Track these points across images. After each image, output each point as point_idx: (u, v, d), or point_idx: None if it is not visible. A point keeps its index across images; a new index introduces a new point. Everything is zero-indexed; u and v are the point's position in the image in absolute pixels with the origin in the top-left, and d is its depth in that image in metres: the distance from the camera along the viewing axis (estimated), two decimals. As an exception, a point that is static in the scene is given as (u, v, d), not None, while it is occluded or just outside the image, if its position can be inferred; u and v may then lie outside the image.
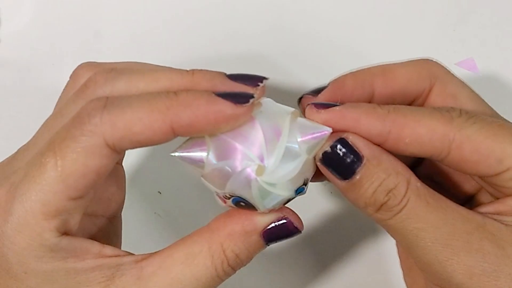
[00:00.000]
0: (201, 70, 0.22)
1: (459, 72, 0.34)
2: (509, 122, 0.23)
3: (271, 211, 0.22)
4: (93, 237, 0.24)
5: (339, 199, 0.34)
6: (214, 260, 0.21)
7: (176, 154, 0.21)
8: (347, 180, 0.21)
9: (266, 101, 0.22)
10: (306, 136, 0.21)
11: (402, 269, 0.28)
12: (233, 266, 0.22)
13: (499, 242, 0.20)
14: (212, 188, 0.22)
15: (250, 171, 0.20)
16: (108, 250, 0.22)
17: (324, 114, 0.21)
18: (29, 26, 0.35)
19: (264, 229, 0.22)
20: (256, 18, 0.35)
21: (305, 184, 0.22)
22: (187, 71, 0.22)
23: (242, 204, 0.21)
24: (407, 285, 0.27)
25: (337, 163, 0.21)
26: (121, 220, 0.27)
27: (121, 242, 0.27)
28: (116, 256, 0.21)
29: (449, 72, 0.24)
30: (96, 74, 0.22)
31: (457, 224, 0.20)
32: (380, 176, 0.21)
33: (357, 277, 0.33)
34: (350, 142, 0.21)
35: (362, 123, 0.21)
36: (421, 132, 0.21)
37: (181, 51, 0.35)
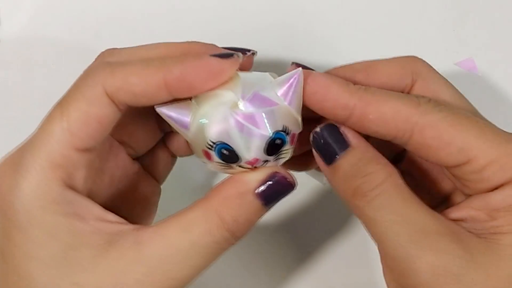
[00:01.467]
0: (197, 41, 0.24)
1: (459, 72, 0.34)
2: (483, 119, 0.23)
3: (255, 163, 0.22)
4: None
5: (339, 199, 0.34)
6: (209, 225, 0.21)
7: (162, 109, 0.22)
8: (332, 163, 0.22)
9: (244, 73, 0.23)
10: (283, 88, 0.22)
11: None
12: (232, 231, 0.21)
13: (468, 249, 0.20)
14: (198, 148, 0.22)
15: (226, 108, 0.21)
16: (110, 216, 0.22)
17: (306, 73, 0.22)
18: (29, 26, 0.35)
19: (257, 187, 0.22)
20: (254, 16, 0.35)
21: (286, 132, 0.22)
22: (184, 42, 0.24)
23: (225, 152, 0.22)
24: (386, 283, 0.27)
25: (324, 144, 0.22)
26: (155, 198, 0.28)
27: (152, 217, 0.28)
28: (116, 222, 0.22)
29: (432, 69, 0.25)
30: (104, 50, 0.24)
31: (430, 224, 0.21)
32: (361, 161, 0.22)
33: (358, 277, 0.33)
34: (340, 130, 0.22)
35: (331, 91, 0.22)
36: (385, 111, 0.21)
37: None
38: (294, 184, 0.23)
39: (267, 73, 0.23)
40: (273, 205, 0.23)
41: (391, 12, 0.35)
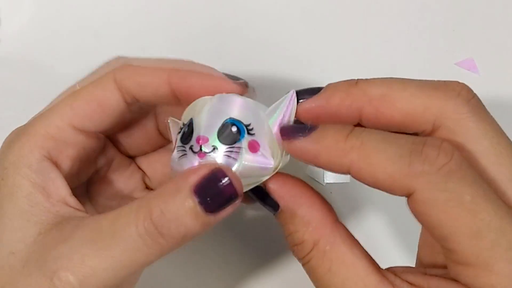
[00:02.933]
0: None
1: (459, 72, 0.34)
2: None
3: (203, 142, 0.21)
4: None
5: (339, 199, 0.34)
6: (136, 216, 0.19)
7: (169, 122, 0.23)
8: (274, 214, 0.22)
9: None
10: (272, 106, 0.22)
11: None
12: (157, 224, 0.19)
13: None
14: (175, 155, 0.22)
15: (208, 98, 0.22)
16: (73, 201, 0.22)
17: (290, 145, 0.21)
18: (29, 26, 0.35)
19: (195, 182, 0.19)
20: (255, 17, 0.35)
21: (248, 129, 0.21)
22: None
23: (185, 130, 0.21)
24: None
25: (266, 199, 0.21)
26: None
27: None
28: (76, 209, 0.22)
29: (470, 110, 0.20)
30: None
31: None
32: (289, 228, 0.21)
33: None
34: (270, 190, 0.21)
35: (322, 160, 0.20)
36: (378, 176, 0.19)
37: (181, 51, 0.35)
38: (238, 192, 0.20)
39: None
40: (218, 215, 0.20)
41: (391, 13, 0.35)
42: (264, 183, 0.21)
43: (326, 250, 0.20)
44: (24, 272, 0.20)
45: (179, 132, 0.22)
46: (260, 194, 0.22)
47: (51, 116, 0.23)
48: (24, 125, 0.23)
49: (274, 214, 0.22)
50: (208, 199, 0.20)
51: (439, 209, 0.18)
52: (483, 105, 0.21)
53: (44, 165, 0.22)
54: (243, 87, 0.23)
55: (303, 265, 0.21)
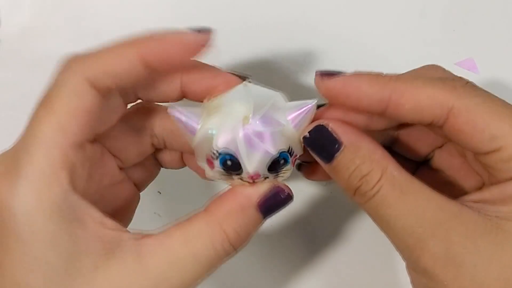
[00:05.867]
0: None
1: (459, 72, 0.34)
2: None
3: (256, 177, 0.22)
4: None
5: (339, 199, 0.34)
6: (213, 240, 0.21)
7: (174, 112, 0.23)
8: (329, 164, 0.22)
9: (254, 84, 0.23)
10: (293, 113, 0.23)
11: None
12: (234, 244, 0.22)
13: (468, 233, 0.20)
14: (202, 154, 0.23)
15: (238, 121, 0.22)
16: (109, 221, 0.21)
17: (328, 82, 0.22)
18: (29, 26, 0.35)
19: (259, 200, 0.22)
20: (258, 13, 0.35)
21: (290, 153, 0.23)
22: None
23: (228, 163, 0.22)
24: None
25: (318, 147, 0.23)
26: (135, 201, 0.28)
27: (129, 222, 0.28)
28: (116, 229, 0.21)
29: (476, 94, 0.22)
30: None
31: (427, 214, 0.21)
32: (355, 162, 0.22)
33: (356, 277, 0.33)
34: (329, 129, 0.22)
35: (364, 91, 0.22)
36: (420, 99, 0.21)
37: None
38: (292, 196, 0.23)
39: (279, 93, 0.23)
40: (269, 217, 0.23)
41: (391, 13, 0.35)
42: (325, 124, 0.23)
43: (395, 175, 0.21)
44: None
45: (214, 156, 0.22)
46: (317, 144, 0.23)
47: (46, 146, 0.20)
48: (12, 166, 0.20)
49: (327, 162, 0.22)
50: (269, 210, 0.23)
51: (483, 110, 0.21)
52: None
53: (71, 199, 0.20)
54: (207, 37, 0.22)
55: (368, 201, 0.21)
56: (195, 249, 0.21)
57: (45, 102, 0.21)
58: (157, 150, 0.28)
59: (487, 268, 0.20)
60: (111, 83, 0.21)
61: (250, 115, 0.22)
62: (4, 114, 0.34)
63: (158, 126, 0.26)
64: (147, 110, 0.26)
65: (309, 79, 0.34)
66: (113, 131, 0.25)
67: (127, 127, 0.26)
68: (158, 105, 0.26)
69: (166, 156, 0.28)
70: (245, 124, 0.22)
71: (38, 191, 0.20)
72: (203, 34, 0.22)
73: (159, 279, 0.21)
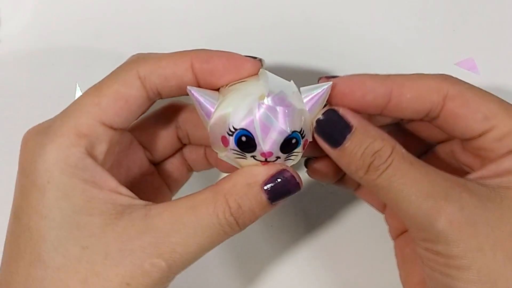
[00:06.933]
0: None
1: (459, 72, 0.34)
2: None
3: (269, 156, 0.23)
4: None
5: (339, 199, 0.34)
6: (216, 208, 0.22)
7: (192, 91, 0.23)
8: (338, 148, 0.23)
9: (271, 74, 0.24)
10: (308, 96, 0.24)
11: (397, 262, 0.29)
12: (235, 215, 0.23)
13: (478, 197, 0.22)
14: (217, 136, 0.23)
15: (254, 100, 0.22)
16: (124, 189, 0.23)
17: (333, 80, 0.24)
18: (29, 26, 0.35)
19: (265, 180, 0.23)
20: (259, 13, 0.35)
21: (302, 135, 0.23)
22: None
23: (243, 139, 0.23)
24: (401, 278, 0.28)
25: (330, 130, 0.24)
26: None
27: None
28: (129, 196, 0.23)
29: (467, 86, 0.24)
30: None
31: (437, 179, 0.22)
32: (367, 141, 0.23)
33: (356, 276, 0.33)
34: (340, 113, 0.23)
35: (368, 85, 0.24)
36: (420, 87, 0.24)
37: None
38: (301, 185, 0.24)
39: (291, 82, 0.24)
40: (278, 203, 0.23)
41: (392, 13, 0.35)
42: (336, 109, 0.24)
43: (403, 152, 0.23)
44: (107, 263, 0.22)
45: (230, 134, 0.23)
46: (329, 126, 0.24)
47: (79, 115, 0.23)
48: (48, 125, 0.23)
49: (338, 146, 0.23)
50: (275, 193, 0.23)
51: (474, 94, 0.23)
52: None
53: (87, 161, 0.22)
54: (260, 64, 0.24)
55: (381, 174, 0.22)
56: (198, 214, 0.22)
57: (98, 84, 0.24)
58: (184, 148, 0.30)
59: (499, 226, 0.21)
60: (160, 85, 0.24)
61: (266, 94, 0.22)
62: (4, 114, 0.34)
63: (183, 119, 0.28)
64: (172, 105, 0.28)
65: (312, 79, 0.34)
66: (142, 122, 0.28)
67: (154, 120, 0.28)
68: (183, 101, 0.28)
69: (192, 154, 0.30)
70: (261, 103, 0.22)
71: (59, 149, 0.22)
72: (251, 59, 0.24)
73: (161, 237, 0.22)
